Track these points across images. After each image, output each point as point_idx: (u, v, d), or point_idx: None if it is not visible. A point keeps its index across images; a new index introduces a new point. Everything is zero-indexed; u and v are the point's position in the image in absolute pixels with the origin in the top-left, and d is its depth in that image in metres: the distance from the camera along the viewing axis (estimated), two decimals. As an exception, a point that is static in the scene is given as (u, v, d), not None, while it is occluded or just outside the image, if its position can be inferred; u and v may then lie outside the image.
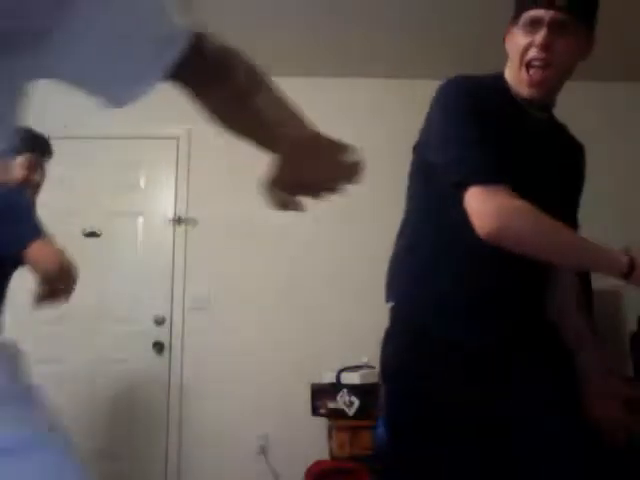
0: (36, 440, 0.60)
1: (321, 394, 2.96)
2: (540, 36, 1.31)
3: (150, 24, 0.73)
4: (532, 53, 1.33)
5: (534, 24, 1.32)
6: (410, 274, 1.38)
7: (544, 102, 1.40)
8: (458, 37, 3.11)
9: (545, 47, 1.31)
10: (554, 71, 1.34)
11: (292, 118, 0.89)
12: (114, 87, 0.75)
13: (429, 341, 1.29)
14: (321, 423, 3.03)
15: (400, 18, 3.02)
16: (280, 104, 0.91)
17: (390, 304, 1.40)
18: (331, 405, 2.90)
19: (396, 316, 1.38)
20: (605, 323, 3.20)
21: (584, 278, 3.15)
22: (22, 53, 0.62)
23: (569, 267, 1.39)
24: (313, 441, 3.06)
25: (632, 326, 3.20)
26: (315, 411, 2.97)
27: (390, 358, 1.36)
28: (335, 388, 2.89)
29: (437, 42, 3.21)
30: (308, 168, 0.88)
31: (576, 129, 1.51)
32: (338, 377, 2.91)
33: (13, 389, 0.63)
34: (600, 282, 3.17)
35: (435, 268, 1.34)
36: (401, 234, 1.44)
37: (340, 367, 2.95)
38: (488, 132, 1.28)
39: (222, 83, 0.86)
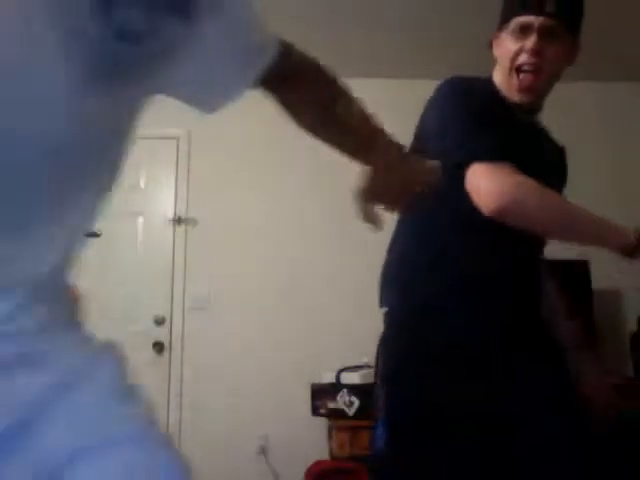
0: (143, 435, 0.64)
1: (321, 394, 2.96)
2: (531, 42, 1.33)
3: (245, 34, 0.77)
4: (523, 58, 1.34)
5: (524, 30, 1.34)
6: (404, 279, 1.38)
7: (533, 107, 1.41)
8: (458, 37, 3.11)
9: (536, 52, 1.33)
10: (544, 76, 1.36)
11: (375, 128, 0.95)
12: (208, 94, 0.79)
13: (427, 342, 1.29)
14: (321, 423, 3.03)
15: (400, 18, 3.02)
16: (362, 114, 0.97)
17: (384, 309, 1.40)
18: (331, 405, 2.90)
19: (391, 320, 1.38)
20: (605, 323, 3.21)
21: (584, 278, 3.15)
22: (163, 67, 0.67)
23: (576, 240, 1.38)
24: (313, 441, 3.05)
25: (632, 326, 3.20)
26: (315, 411, 2.97)
27: (388, 360, 1.36)
28: (335, 388, 2.89)
29: (437, 42, 3.21)
30: (395, 178, 0.94)
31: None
32: (338, 377, 2.91)
33: (124, 386, 0.68)
34: (600, 282, 3.18)
35: (430, 269, 1.34)
36: (392, 246, 1.44)
37: (340, 367, 2.95)
38: (486, 127, 1.28)
39: (306, 90, 0.91)
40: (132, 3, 0.59)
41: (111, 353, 0.70)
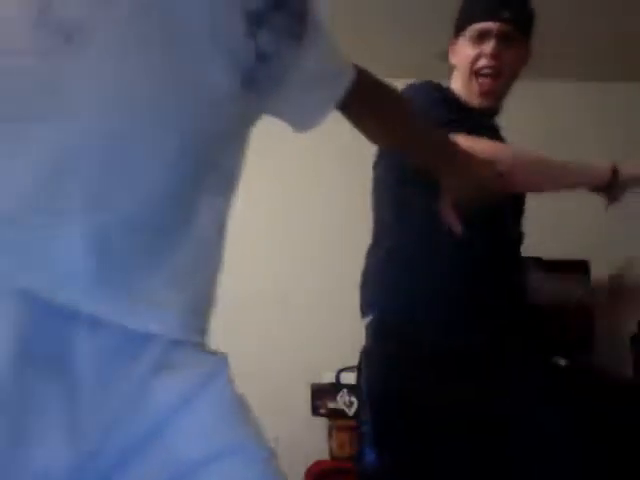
0: (252, 446, 0.69)
1: (321, 394, 2.96)
2: (489, 46, 1.37)
3: (330, 59, 0.86)
4: (482, 62, 1.39)
5: (482, 36, 1.39)
6: (393, 282, 1.38)
7: (492, 110, 1.44)
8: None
9: (495, 56, 1.37)
10: (503, 80, 1.41)
11: (445, 141, 1.05)
12: (301, 115, 0.88)
13: (417, 344, 1.29)
14: (321, 423, 3.03)
15: (400, 18, 3.02)
16: (428, 128, 1.08)
17: (367, 319, 1.40)
18: (331, 405, 2.90)
19: (376, 329, 1.37)
20: (605, 323, 3.20)
21: (584, 278, 3.14)
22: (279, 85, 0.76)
23: (555, 188, 1.40)
24: (313, 441, 3.05)
25: (632, 327, 3.20)
26: (315, 411, 2.98)
27: (376, 375, 1.35)
28: (335, 388, 2.89)
29: (437, 42, 3.21)
30: (471, 185, 1.06)
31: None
32: (338, 377, 2.91)
33: (236, 398, 0.72)
34: (600, 282, 3.18)
35: (420, 271, 1.34)
36: (374, 247, 1.45)
37: (340, 367, 2.95)
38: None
39: (377, 110, 1.01)
40: (270, 27, 0.68)
41: (224, 364, 0.74)
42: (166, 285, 0.63)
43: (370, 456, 1.33)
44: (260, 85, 0.71)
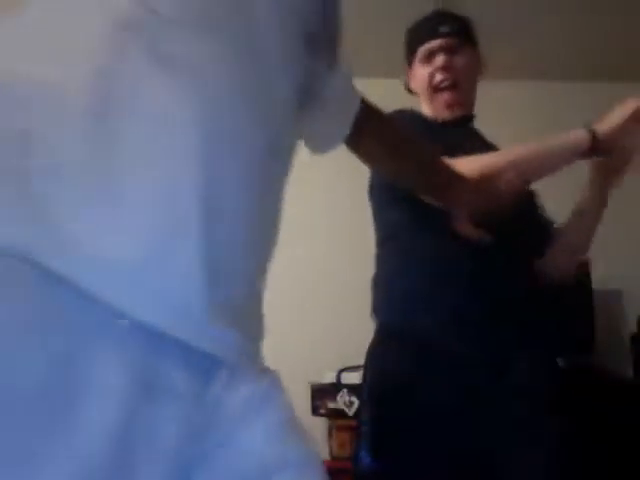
0: (310, 460, 0.70)
1: (321, 394, 2.96)
2: (439, 60, 1.46)
3: (346, 86, 0.91)
4: (438, 77, 1.47)
5: (431, 54, 1.49)
6: (400, 288, 1.38)
7: (467, 117, 1.48)
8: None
9: (447, 69, 1.46)
10: (462, 88, 1.49)
11: (445, 168, 1.10)
12: (320, 139, 0.95)
13: (422, 347, 1.29)
14: (321, 423, 3.03)
15: (400, 18, 3.02)
16: (432, 156, 1.13)
17: (377, 321, 1.41)
18: (331, 405, 2.90)
19: (383, 330, 1.38)
20: (605, 323, 3.21)
21: (584, 278, 3.14)
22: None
23: (547, 174, 1.40)
24: (313, 441, 3.05)
25: (632, 327, 3.21)
26: (315, 411, 2.98)
27: (379, 375, 1.35)
28: (335, 388, 2.89)
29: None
30: (483, 204, 1.12)
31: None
32: (338, 377, 2.91)
33: (291, 413, 0.71)
34: (600, 282, 3.18)
35: (428, 278, 1.34)
36: (387, 257, 1.45)
37: (340, 367, 2.95)
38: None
39: (379, 137, 1.05)
40: (321, 48, 0.73)
41: (279, 380, 0.74)
42: (243, 304, 0.65)
43: (365, 459, 1.33)
44: (308, 103, 0.75)
